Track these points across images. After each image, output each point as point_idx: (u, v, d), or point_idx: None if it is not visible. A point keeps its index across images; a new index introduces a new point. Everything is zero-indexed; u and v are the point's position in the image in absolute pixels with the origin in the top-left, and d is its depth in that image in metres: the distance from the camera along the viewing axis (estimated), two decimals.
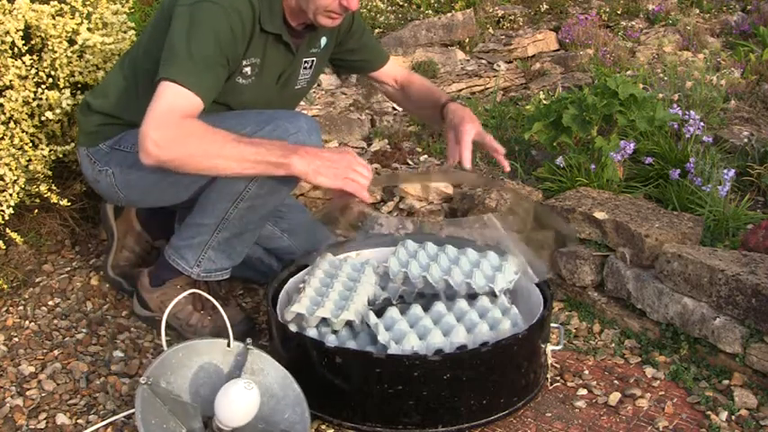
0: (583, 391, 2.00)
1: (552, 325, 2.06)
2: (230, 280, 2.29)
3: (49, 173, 2.50)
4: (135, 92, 2.11)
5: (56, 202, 2.45)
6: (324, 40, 2.22)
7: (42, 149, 2.42)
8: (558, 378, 2.06)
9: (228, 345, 1.85)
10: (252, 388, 1.70)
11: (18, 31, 2.34)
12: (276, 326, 1.94)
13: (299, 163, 1.84)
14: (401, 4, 4.71)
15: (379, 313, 1.99)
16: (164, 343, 1.89)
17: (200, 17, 1.89)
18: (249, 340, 1.85)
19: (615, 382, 2.04)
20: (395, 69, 2.48)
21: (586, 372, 2.08)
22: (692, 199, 2.48)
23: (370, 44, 2.42)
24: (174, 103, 1.85)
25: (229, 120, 1.98)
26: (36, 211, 2.61)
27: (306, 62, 2.19)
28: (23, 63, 2.35)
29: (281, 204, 2.36)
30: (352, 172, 1.87)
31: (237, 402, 1.69)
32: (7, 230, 2.41)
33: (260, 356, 1.84)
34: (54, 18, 2.41)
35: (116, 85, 2.15)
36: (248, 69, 2.04)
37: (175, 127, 1.83)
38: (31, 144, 2.42)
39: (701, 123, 2.64)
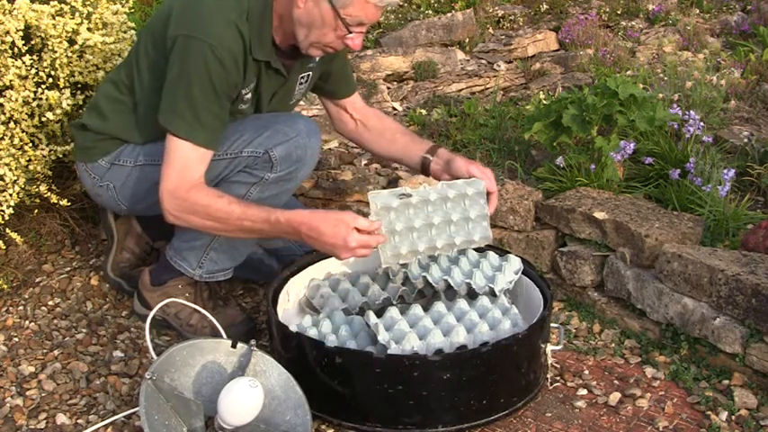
0: (583, 391, 2.00)
1: (552, 325, 2.06)
2: (230, 280, 2.29)
3: (49, 173, 2.50)
4: (131, 111, 2.12)
5: (56, 202, 2.45)
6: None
7: (42, 149, 2.43)
8: (558, 378, 2.06)
9: (233, 346, 1.85)
10: (256, 386, 1.70)
11: (18, 31, 2.34)
12: (276, 326, 1.93)
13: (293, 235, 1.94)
14: (401, 3, 4.70)
15: (379, 313, 1.99)
16: (149, 345, 1.89)
17: (193, 61, 1.90)
18: (253, 342, 1.85)
19: (615, 382, 2.04)
20: (357, 101, 2.41)
21: (586, 372, 2.08)
22: (692, 199, 2.48)
23: (347, 73, 2.38)
24: (185, 163, 1.92)
25: (228, 128, 2.01)
26: (36, 211, 2.61)
27: (302, 77, 2.21)
28: (23, 63, 2.35)
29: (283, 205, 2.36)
30: (346, 251, 1.90)
31: (241, 399, 1.69)
32: (7, 230, 2.41)
33: (263, 358, 1.84)
34: (54, 18, 2.41)
35: (109, 104, 2.15)
36: (249, 96, 2.07)
37: (183, 200, 1.93)
38: (31, 144, 2.42)
39: (701, 123, 2.64)
